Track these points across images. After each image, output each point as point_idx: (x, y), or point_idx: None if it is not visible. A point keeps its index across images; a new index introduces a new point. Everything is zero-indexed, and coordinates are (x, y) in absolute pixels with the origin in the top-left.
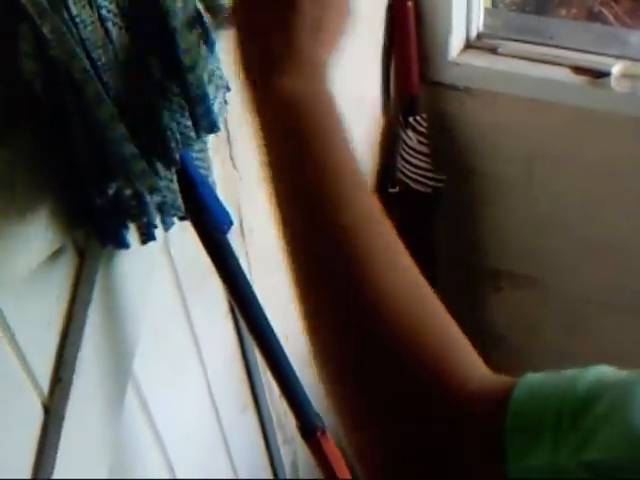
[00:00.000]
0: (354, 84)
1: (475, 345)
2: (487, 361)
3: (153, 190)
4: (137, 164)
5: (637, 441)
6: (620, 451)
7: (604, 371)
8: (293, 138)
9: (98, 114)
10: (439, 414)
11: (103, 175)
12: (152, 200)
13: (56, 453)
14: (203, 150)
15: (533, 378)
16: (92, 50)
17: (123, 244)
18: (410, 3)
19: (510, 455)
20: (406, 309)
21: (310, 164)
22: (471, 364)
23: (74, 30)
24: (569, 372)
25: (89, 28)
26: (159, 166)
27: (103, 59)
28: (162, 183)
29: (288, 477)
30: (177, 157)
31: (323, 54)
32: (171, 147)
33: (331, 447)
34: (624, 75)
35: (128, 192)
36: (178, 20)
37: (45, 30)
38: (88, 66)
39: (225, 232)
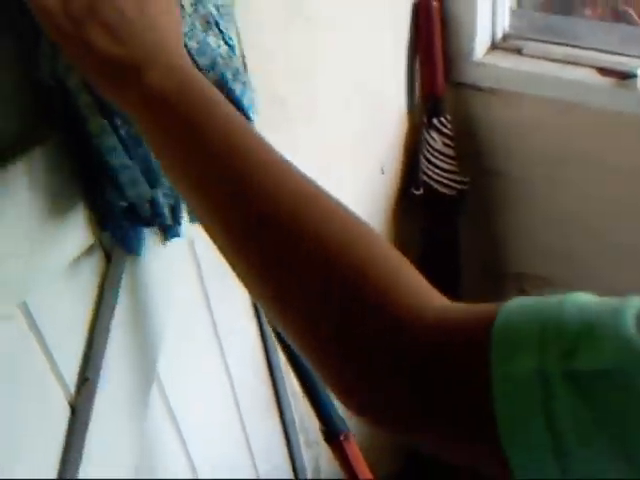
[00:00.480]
0: (379, 85)
1: None
2: None
3: (145, 199)
4: (125, 174)
5: (626, 346)
6: (608, 359)
7: (588, 298)
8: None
9: (89, 127)
10: (409, 349)
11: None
12: (165, 202)
13: (82, 452)
14: None
15: (514, 303)
16: None
17: (138, 248)
18: (435, 3)
19: (494, 363)
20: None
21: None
22: (428, 292)
23: None
24: (552, 297)
25: None
26: None
27: None
28: None
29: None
30: None
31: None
32: None
33: (354, 451)
34: None
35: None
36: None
37: None
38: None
39: None
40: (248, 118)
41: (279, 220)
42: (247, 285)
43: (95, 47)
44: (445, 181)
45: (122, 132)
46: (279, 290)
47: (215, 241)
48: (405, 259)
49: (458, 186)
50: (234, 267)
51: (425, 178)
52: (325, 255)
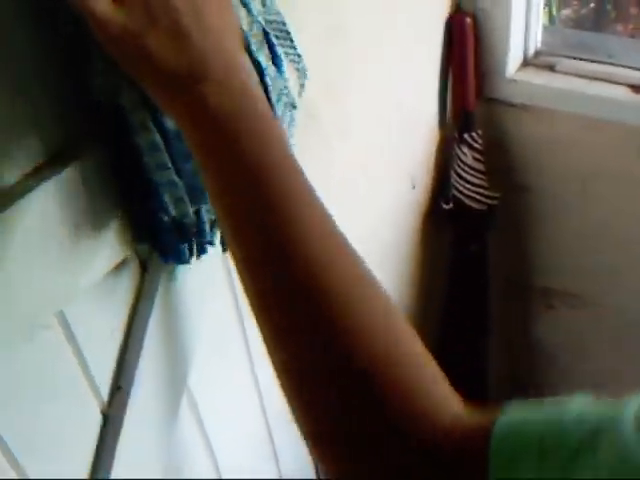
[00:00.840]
0: (411, 101)
1: (526, 364)
2: (536, 381)
3: (184, 217)
4: (173, 192)
5: (624, 458)
6: (604, 472)
7: (584, 403)
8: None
9: (140, 143)
10: (414, 457)
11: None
12: (208, 218)
13: (113, 460)
14: None
15: (514, 411)
16: None
17: (182, 260)
18: (469, 20)
19: (492, 474)
20: (371, 341)
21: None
22: (443, 401)
23: None
24: (550, 406)
25: None
26: None
27: None
28: None
29: None
30: None
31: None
32: None
33: None
34: None
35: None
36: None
37: None
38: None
39: None
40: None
41: (317, 296)
42: (267, 342)
43: (152, 57)
44: (475, 196)
45: (173, 150)
46: (295, 363)
47: (242, 280)
48: (430, 358)
49: (488, 201)
50: (257, 318)
51: (455, 192)
52: (352, 343)
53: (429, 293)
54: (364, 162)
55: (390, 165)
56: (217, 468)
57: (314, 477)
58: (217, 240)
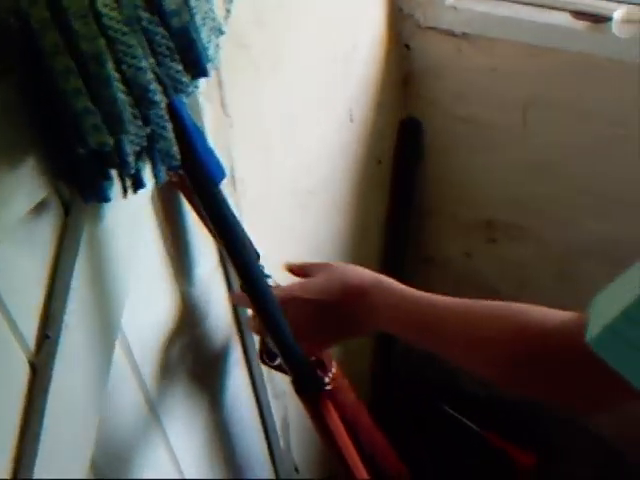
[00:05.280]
0: (349, 31)
1: (469, 296)
2: None
3: (102, 146)
4: (88, 119)
5: None
6: None
7: None
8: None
9: (53, 67)
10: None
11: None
12: (131, 149)
13: (44, 411)
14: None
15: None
16: None
17: (103, 197)
18: None
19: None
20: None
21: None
22: (549, 323)
23: None
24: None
25: None
26: (149, 113)
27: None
28: (157, 129)
29: (279, 431)
30: (157, 99)
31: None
32: (151, 90)
33: (327, 404)
34: (626, 20)
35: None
36: None
37: None
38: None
39: (218, 183)
40: (205, 74)
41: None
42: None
43: None
44: None
45: (88, 74)
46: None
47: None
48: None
49: None
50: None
51: None
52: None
53: (368, 224)
54: (298, 94)
55: (327, 98)
56: (156, 415)
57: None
58: (146, 178)
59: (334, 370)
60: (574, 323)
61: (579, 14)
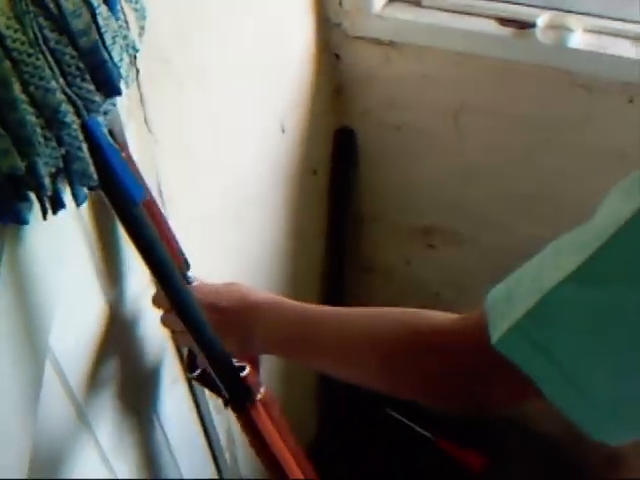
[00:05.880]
0: (276, 39)
1: (411, 303)
2: None
3: (13, 170)
4: None
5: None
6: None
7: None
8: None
9: None
10: (457, 355)
11: None
12: (46, 171)
13: None
14: (112, 114)
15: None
16: None
17: (20, 220)
18: None
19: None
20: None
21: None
22: (441, 322)
23: None
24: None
25: None
26: (62, 134)
27: None
28: (71, 150)
29: (224, 445)
30: (68, 120)
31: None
32: (61, 111)
33: (262, 417)
34: (550, 26)
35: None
36: None
37: None
38: None
39: (137, 202)
40: (117, 92)
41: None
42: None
43: None
44: None
45: None
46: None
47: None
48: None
49: None
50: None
51: None
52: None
53: (306, 235)
54: (225, 107)
55: (256, 110)
56: (90, 432)
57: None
58: (66, 198)
59: (262, 384)
60: (463, 321)
61: (505, 21)
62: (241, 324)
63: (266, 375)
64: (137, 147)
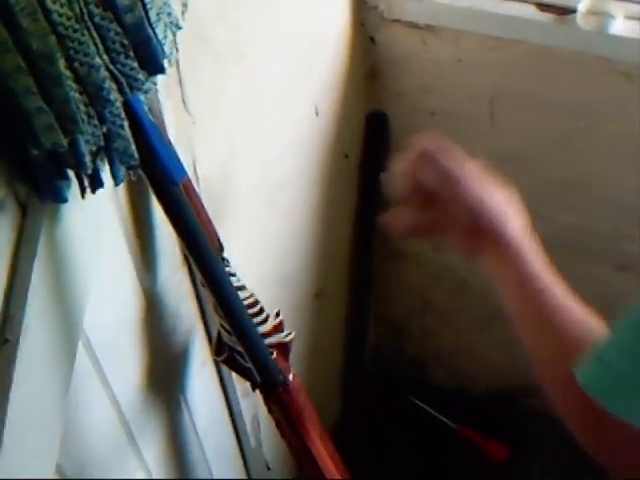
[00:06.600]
0: (315, 25)
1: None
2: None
3: (57, 146)
4: (40, 119)
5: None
6: None
7: None
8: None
9: (1, 65)
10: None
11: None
12: (87, 149)
13: (5, 416)
14: (152, 93)
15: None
16: None
17: (60, 198)
18: None
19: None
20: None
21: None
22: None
23: None
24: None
25: None
26: (104, 112)
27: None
28: (113, 128)
29: (249, 429)
30: (112, 97)
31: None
32: (105, 88)
33: (293, 401)
34: (590, 12)
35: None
36: None
37: None
38: None
39: (177, 182)
40: (161, 70)
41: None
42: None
43: None
44: None
45: (39, 73)
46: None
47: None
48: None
49: None
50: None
51: None
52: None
53: (336, 219)
54: (262, 89)
55: (291, 92)
56: (122, 416)
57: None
58: (106, 177)
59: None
60: None
61: (544, 6)
62: (481, 241)
63: (293, 358)
64: (174, 127)
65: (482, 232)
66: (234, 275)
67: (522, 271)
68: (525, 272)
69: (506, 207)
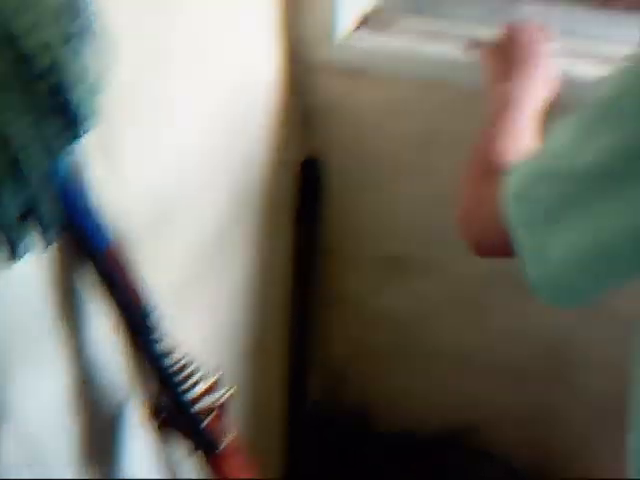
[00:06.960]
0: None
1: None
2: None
3: None
4: None
5: None
6: None
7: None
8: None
9: None
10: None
11: None
12: (11, 212)
13: None
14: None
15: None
16: None
17: None
18: None
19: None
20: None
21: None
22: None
23: None
24: None
25: None
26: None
27: None
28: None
29: None
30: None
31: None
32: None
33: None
34: None
35: None
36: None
37: None
38: None
39: (101, 249)
40: (81, 133)
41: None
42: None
43: None
44: None
45: None
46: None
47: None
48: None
49: None
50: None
51: None
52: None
53: (273, 269)
54: (192, 143)
55: (223, 144)
56: None
57: None
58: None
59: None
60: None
61: (471, 45)
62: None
63: (234, 413)
64: (100, 188)
65: (517, 63)
66: (158, 342)
67: (513, 101)
68: (513, 101)
69: (546, 75)
